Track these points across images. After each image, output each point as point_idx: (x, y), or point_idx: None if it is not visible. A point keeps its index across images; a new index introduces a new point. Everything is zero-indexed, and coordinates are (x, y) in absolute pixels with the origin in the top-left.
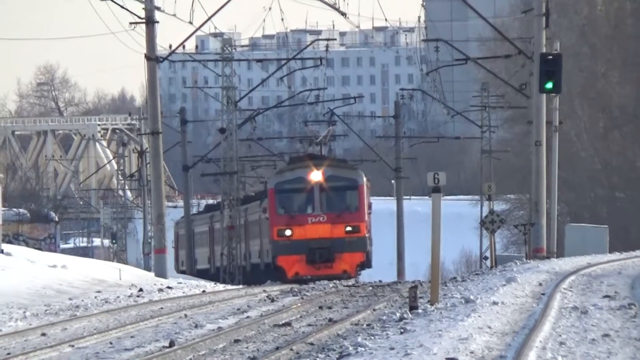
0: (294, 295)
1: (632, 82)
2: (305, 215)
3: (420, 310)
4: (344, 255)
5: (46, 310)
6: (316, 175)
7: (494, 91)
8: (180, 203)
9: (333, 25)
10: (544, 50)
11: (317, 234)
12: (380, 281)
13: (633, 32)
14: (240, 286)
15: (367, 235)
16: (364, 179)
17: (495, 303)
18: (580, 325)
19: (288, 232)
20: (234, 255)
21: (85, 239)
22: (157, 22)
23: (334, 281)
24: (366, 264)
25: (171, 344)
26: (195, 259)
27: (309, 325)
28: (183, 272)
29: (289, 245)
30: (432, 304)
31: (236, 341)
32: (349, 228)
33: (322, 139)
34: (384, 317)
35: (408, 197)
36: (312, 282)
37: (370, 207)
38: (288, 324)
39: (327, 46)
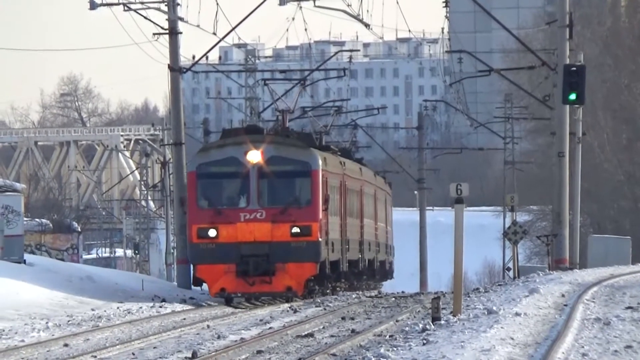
0: (316, 306)
1: None
2: (236, 210)
3: (442, 322)
4: (288, 266)
5: (68, 321)
6: (254, 156)
7: (517, 102)
8: None
9: (357, 37)
10: (568, 61)
11: (252, 236)
12: (402, 292)
13: None
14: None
15: (321, 239)
16: (320, 162)
17: (517, 314)
18: (603, 337)
19: (212, 233)
20: None
21: (107, 250)
22: (181, 32)
23: (357, 292)
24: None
25: (194, 355)
26: None
27: (332, 336)
28: None
29: (213, 250)
30: (454, 315)
31: (259, 352)
32: (296, 229)
33: (289, 109)
34: (407, 328)
35: (431, 208)
36: (247, 300)
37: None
38: (311, 334)
39: (350, 57)
